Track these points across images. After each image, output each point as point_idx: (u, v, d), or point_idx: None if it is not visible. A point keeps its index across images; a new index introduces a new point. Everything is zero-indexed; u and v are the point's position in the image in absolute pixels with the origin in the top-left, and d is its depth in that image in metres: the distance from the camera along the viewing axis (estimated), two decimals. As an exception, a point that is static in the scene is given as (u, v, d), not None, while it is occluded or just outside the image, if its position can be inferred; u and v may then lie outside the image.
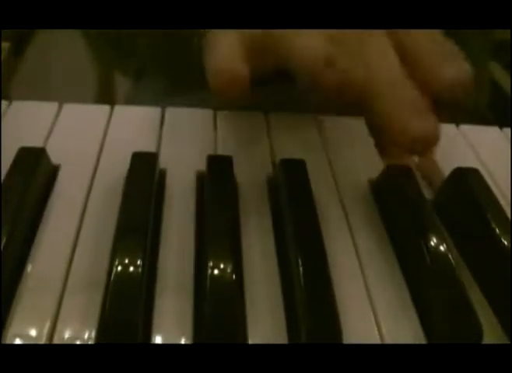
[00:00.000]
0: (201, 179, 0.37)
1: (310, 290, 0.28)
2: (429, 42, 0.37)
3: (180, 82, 0.67)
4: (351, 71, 0.34)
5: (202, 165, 0.37)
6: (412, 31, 0.37)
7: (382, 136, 0.37)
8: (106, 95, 1.09)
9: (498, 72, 1.29)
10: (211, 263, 0.29)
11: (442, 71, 0.35)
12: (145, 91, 0.77)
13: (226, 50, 0.36)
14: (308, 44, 0.35)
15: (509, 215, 0.34)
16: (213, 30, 0.39)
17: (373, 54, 0.36)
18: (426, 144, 0.33)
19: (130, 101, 0.81)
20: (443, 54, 0.36)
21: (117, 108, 0.44)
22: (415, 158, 0.43)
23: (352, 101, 0.35)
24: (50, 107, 0.43)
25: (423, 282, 0.31)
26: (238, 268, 0.30)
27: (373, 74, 0.35)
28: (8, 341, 0.27)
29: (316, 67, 0.34)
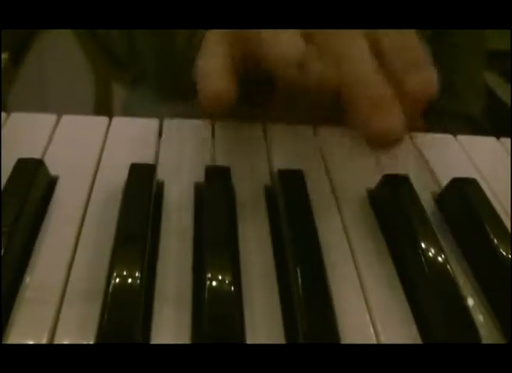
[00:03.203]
0: (199, 190, 0.37)
1: (307, 293, 0.28)
2: (399, 46, 0.37)
3: (176, 90, 0.67)
4: (324, 71, 0.35)
5: (200, 176, 0.37)
6: (390, 32, 0.37)
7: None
8: (104, 107, 1.09)
9: (494, 81, 1.30)
10: (209, 274, 0.29)
11: (405, 82, 0.35)
12: (142, 99, 0.78)
13: (213, 65, 0.38)
14: (281, 43, 0.36)
15: (507, 225, 0.34)
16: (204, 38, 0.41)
17: (349, 53, 0.36)
18: (387, 139, 0.34)
19: (127, 110, 0.82)
20: (408, 63, 0.36)
21: (115, 119, 0.44)
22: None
23: (323, 101, 0.36)
24: (48, 119, 0.43)
25: (421, 289, 0.31)
26: (236, 278, 0.30)
27: (346, 74, 0.35)
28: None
29: (288, 68, 0.35)
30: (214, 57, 0.39)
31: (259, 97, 0.43)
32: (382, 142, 0.34)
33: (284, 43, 0.36)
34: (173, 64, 0.60)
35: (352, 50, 0.37)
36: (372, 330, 0.29)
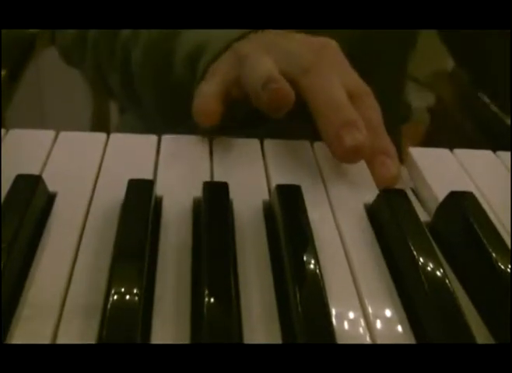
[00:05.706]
0: (197, 206, 0.37)
1: (305, 306, 0.28)
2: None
3: (166, 121, 0.67)
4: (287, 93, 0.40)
5: (198, 192, 0.37)
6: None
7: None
8: (102, 123, 1.09)
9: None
10: (207, 290, 0.29)
11: None
12: (130, 129, 0.77)
13: (208, 89, 0.45)
14: (255, 68, 0.43)
15: (506, 239, 0.34)
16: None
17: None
18: (355, 153, 0.40)
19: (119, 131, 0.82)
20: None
21: (113, 136, 0.44)
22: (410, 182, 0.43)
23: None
24: (46, 135, 0.43)
25: (419, 303, 0.31)
26: (234, 293, 0.30)
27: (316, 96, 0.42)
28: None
29: (254, 88, 0.41)
30: (212, 84, 0.46)
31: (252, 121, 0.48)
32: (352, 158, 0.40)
33: (257, 68, 0.43)
34: (169, 95, 0.61)
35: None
36: (367, 334, 0.30)
